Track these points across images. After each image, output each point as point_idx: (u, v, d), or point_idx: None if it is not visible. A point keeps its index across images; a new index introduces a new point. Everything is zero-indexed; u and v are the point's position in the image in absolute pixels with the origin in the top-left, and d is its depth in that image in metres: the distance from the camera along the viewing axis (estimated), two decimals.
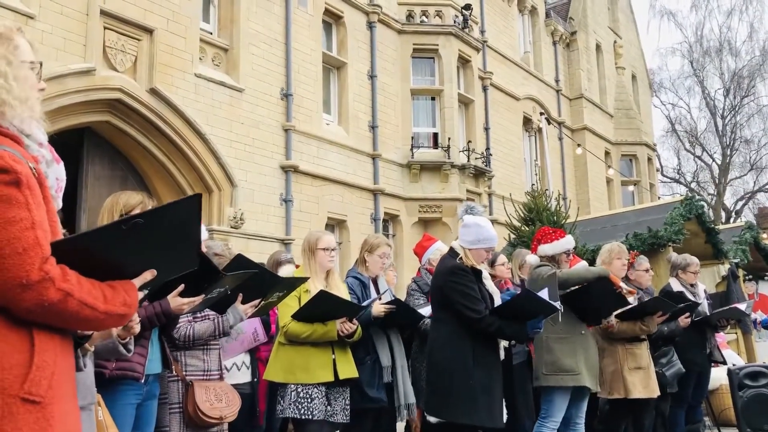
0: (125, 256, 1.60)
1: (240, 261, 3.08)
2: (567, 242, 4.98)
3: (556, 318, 4.50)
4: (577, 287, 4.82)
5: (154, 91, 10.11)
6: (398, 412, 4.58)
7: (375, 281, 4.73)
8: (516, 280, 5.98)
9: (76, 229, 8.98)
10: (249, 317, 3.57)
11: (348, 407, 4.11)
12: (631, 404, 5.35)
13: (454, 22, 15.71)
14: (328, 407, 3.98)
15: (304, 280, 3.89)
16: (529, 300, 4.06)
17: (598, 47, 23.97)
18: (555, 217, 11.19)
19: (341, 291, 4.22)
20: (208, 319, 3.53)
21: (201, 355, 3.58)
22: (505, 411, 4.26)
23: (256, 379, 4.46)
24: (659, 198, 23.90)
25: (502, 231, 14.61)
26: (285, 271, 4.81)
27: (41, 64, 1.75)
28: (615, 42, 25.27)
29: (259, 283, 3.34)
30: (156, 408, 3.28)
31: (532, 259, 5.18)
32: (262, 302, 3.51)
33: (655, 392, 5.30)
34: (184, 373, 3.48)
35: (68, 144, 9.23)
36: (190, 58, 10.79)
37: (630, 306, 5.20)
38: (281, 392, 3.99)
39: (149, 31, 10.17)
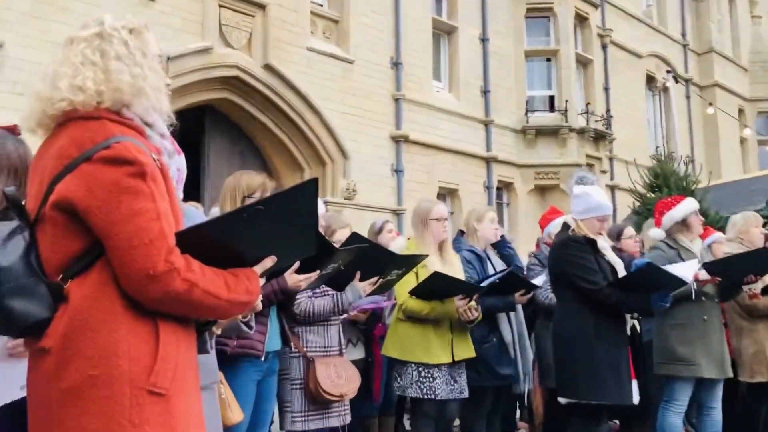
0: (246, 244, 1.62)
1: (354, 238, 3.07)
2: (693, 202, 4.66)
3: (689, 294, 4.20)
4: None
5: (268, 67, 10.30)
6: (514, 383, 4.49)
7: (488, 256, 4.60)
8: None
9: (201, 203, 9.39)
10: (367, 295, 3.52)
11: (466, 384, 4.05)
12: None
13: None
14: (450, 385, 3.94)
15: (422, 258, 3.78)
16: (654, 272, 3.77)
17: None
18: (684, 183, 10.45)
19: (455, 264, 4.13)
20: (328, 295, 3.52)
21: (321, 331, 3.58)
22: (636, 391, 4.00)
23: (370, 359, 4.46)
24: None
25: (625, 198, 13.89)
26: (385, 239, 4.77)
27: (168, 58, 1.80)
28: None
29: (375, 259, 3.33)
30: (276, 384, 3.33)
31: (654, 233, 4.81)
32: (380, 280, 3.46)
33: None
34: (305, 348, 3.49)
35: (189, 121, 9.60)
36: (302, 32, 10.89)
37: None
38: (399, 369, 3.97)
39: (262, 7, 10.34)
